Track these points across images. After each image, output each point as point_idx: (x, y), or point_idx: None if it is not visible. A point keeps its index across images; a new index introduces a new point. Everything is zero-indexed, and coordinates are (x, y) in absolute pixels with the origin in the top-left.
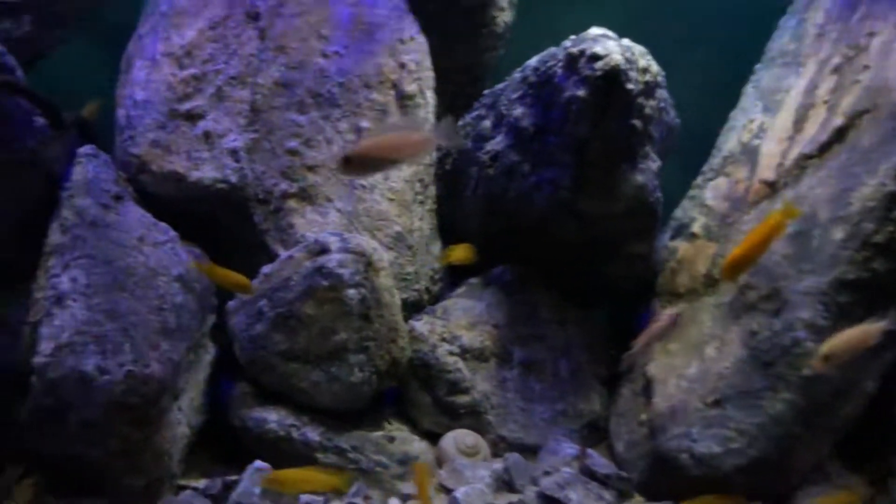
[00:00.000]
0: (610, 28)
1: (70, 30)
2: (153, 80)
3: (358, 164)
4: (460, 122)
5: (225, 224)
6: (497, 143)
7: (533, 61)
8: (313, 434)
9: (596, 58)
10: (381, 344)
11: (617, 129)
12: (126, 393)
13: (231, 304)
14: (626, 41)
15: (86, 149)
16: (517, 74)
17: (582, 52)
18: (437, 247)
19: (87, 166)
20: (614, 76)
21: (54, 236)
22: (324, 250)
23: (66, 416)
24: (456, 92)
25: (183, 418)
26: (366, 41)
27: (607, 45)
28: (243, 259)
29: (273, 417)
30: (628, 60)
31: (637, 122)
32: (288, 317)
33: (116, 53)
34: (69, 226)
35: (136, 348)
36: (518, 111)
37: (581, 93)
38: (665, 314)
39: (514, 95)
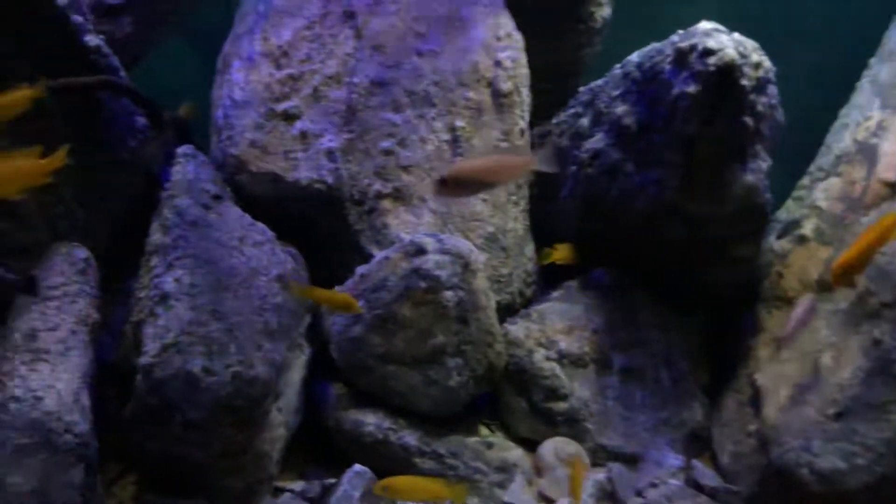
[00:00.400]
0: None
1: (167, 31)
2: (251, 80)
3: (453, 186)
4: (554, 120)
5: (319, 224)
6: (597, 142)
7: (635, 57)
8: (411, 438)
9: (709, 52)
10: (478, 348)
11: (728, 127)
12: (232, 395)
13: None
14: (737, 35)
15: (184, 148)
16: (617, 70)
17: (693, 47)
18: (530, 248)
19: (187, 166)
20: (728, 72)
21: (155, 236)
22: (420, 251)
23: (170, 417)
24: (550, 89)
25: (282, 419)
26: (462, 38)
27: (721, 40)
28: (337, 259)
29: (370, 420)
30: (742, 55)
31: (749, 120)
32: (385, 318)
33: (209, 53)
34: (170, 225)
35: (242, 349)
36: (620, 109)
37: (691, 89)
38: (806, 300)
39: (616, 92)
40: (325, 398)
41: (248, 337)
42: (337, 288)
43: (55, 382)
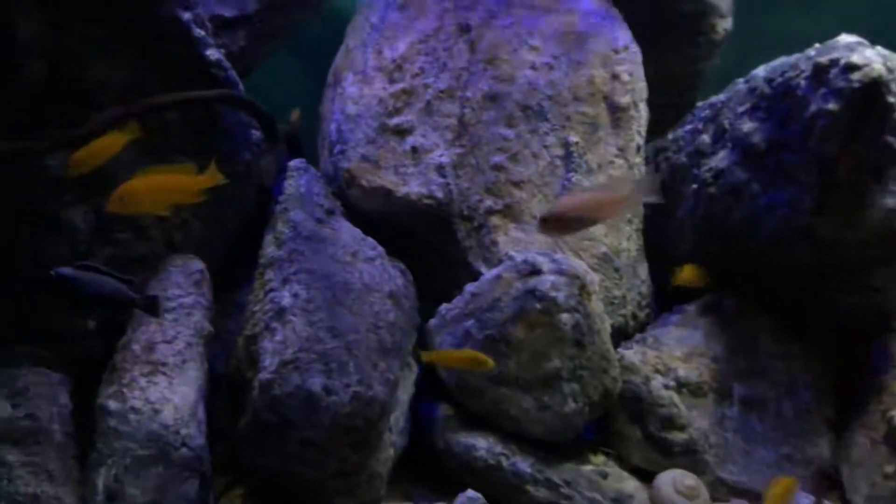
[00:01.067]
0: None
1: (277, 44)
2: (365, 94)
3: (556, 223)
4: (671, 136)
5: (426, 240)
6: (720, 160)
7: (761, 71)
8: (524, 465)
9: (853, 68)
10: (594, 373)
11: (869, 146)
12: (351, 415)
13: (433, 322)
14: (881, 49)
15: (296, 162)
16: (742, 85)
17: (834, 62)
18: (643, 269)
19: (300, 180)
20: (875, 89)
21: (269, 249)
22: (535, 271)
23: (286, 434)
24: (666, 103)
25: (392, 439)
26: (577, 51)
27: (866, 55)
28: (444, 275)
29: (482, 444)
30: (890, 70)
31: (892, 139)
32: (498, 340)
33: (313, 66)
34: (285, 239)
35: (360, 368)
36: (747, 126)
37: (831, 106)
38: None
39: (741, 108)
40: (433, 419)
41: (364, 355)
42: (444, 306)
43: (172, 395)
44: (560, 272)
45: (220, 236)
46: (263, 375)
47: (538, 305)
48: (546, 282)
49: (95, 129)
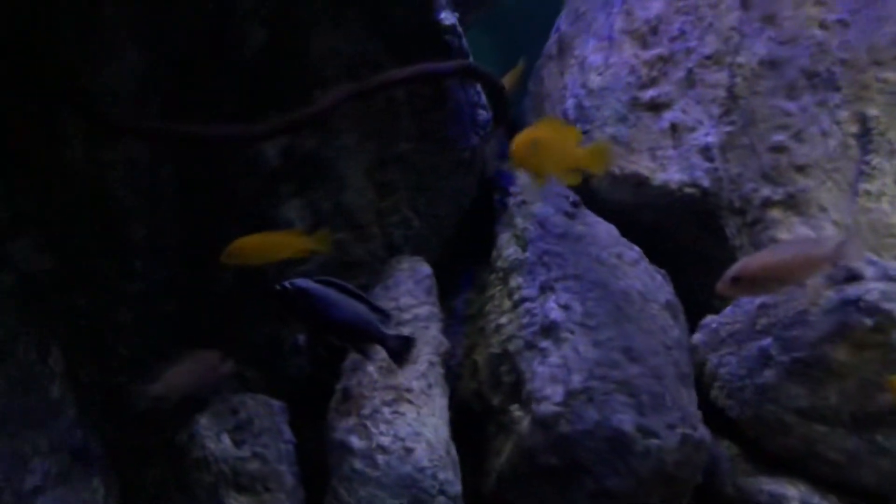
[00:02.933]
0: None
1: (473, 15)
2: (612, 63)
3: (747, 284)
4: None
5: (678, 237)
6: None
7: None
8: None
9: None
10: None
11: None
12: (680, 463)
13: (698, 338)
14: None
15: None
16: None
17: None
18: None
19: None
20: None
21: (510, 250)
22: (853, 276)
23: (574, 482)
24: None
25: None
26: (877, 4)
27: None
28: (701, 280)
29: (792, 493)
30: None
31: None
32: (810, 364)
33: (500, 38)
34: (531, 238)
35: (676, 402)
36: None
37: None
38: None
39: None
40: (716, 457)
41: (673, 385)
42: (713, 319)
43: (422, 429)
44: (889, 278)
45: (439, 234)
46: (545, 408)
47: (867, 321)
48: (874, 291)
49: (321, 110)
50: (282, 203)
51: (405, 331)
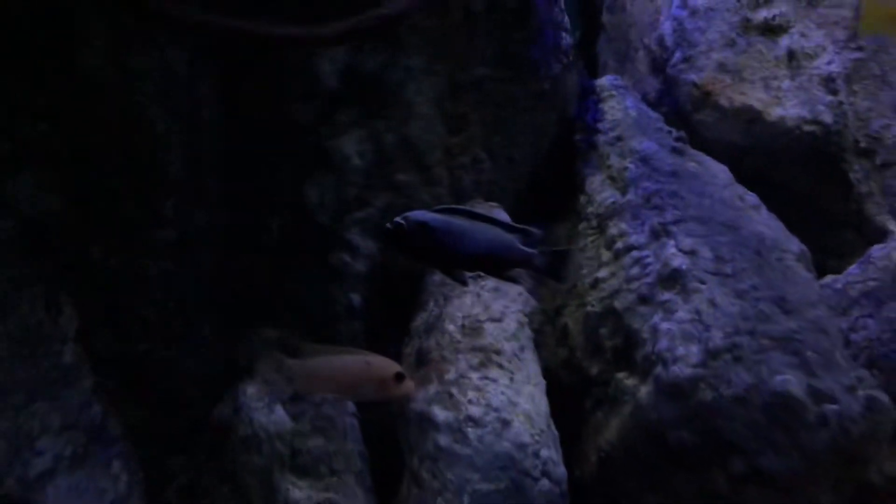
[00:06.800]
0: None
1: None
2: None
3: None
4: None
5: (793, 185)
6: None
7: None
8: None
9: None
10: None
11: None
12: (865, 438)
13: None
14: None
15: (610, 79)
16: None
17: None
18: None
19: (625, 101)
20: None
21: (605, 193)
22: None
23: (717, 462)
24: None
25: None
26: None
27: None
28: (818, 236)
29: None
30: None
31: None
32: None
33: None
34: (633, 177)
35: (849, 361)
36: None
37: None
38: None
39: None
40: None
41: (840, 341)
42: (835, 278)
43: (517, 398)
44: None
45: (512, 179)
46: (678, 370)
47: None
48: None
49: (394, 12)
50: (339, 135)
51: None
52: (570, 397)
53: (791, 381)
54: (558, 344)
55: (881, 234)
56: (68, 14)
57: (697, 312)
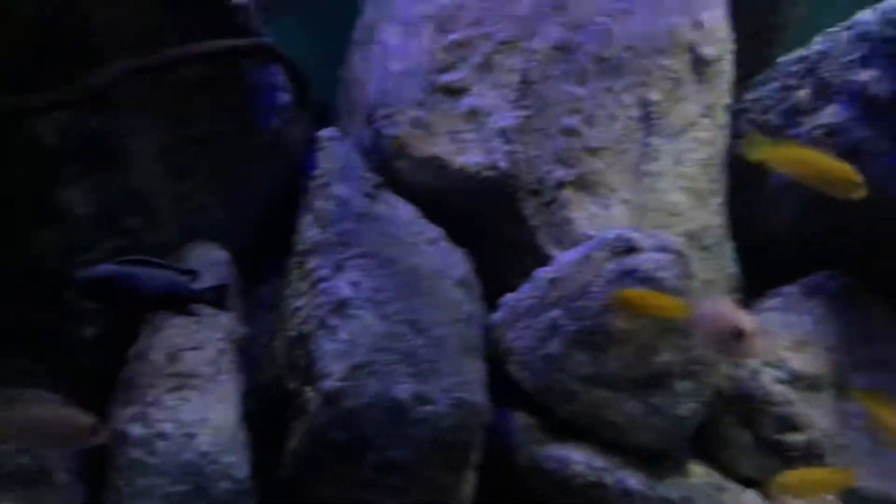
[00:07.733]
0: None
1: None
2: (411, 48)
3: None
4: (750, 97)
5: (483, 220)
6: (830, 117)
7: (870, 16)
8: (633, 480)
9: None
10: (707, 368)
11: None
12: (455, 428)
13: (498, 317)
14: None
15: (329, 131)
16: (845, 33)
17: None
18: (730, 248)
19: (337, 151)
20: None
21: (311, 232)
22: (631, 248)
23: (360, 456)
24: (745, 59)
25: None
26: None
27: None
28: (505, 261)
29: (578, 458)
30: None
31: None
32: (594, 332)
33: (313, 26)
34: (332, 219)
35: (456, 368)
36: (864, 75)
37: None
38: None
39: (849, 58)
40: (510, 430)
41: (455, 353)
42: (511, 297)
43: (208, 414)
44: (662, 248)
45: (240, 221)
46: (328, 384)
47: (642, 289)
48: (648, 260)
49: (102, 82)
50: (65, 188)
51: (212, 281)
52: (279, 410)
53: (403, 389)
54: (270, 364)
55: (547, 259)
56: None
57: (352, 334)
